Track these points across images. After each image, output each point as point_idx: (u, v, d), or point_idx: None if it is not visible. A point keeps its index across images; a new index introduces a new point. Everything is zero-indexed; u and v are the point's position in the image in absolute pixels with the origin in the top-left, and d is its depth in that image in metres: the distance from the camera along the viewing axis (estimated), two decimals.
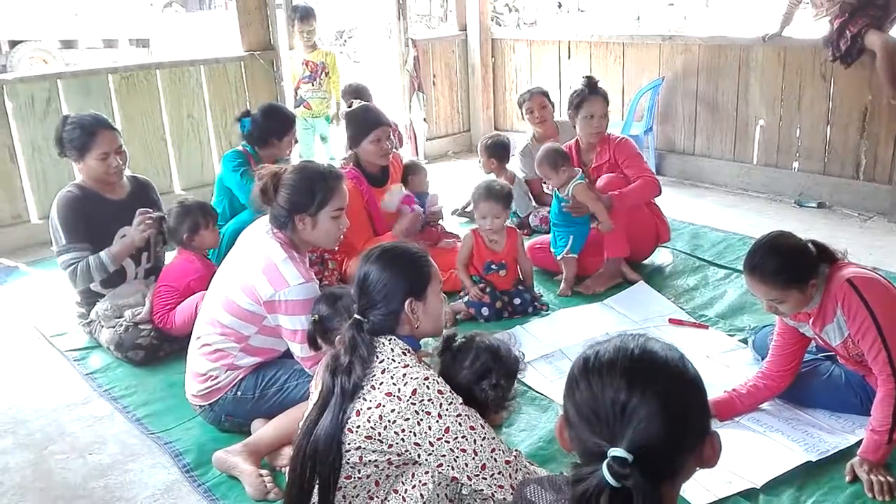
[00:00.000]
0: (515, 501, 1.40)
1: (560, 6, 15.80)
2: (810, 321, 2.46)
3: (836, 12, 4.60)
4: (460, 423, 1.78)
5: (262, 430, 2.52)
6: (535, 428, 2.66)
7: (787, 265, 2.33)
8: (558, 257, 3.77)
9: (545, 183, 4.69)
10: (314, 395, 2.00)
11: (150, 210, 3.33)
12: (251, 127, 3.81)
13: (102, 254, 3.21)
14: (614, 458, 1.04)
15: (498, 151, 4.73)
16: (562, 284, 3.75)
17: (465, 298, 3.53)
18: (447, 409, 1.78)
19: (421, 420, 1.77)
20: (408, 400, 1.77)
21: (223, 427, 2.69)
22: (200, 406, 2.68)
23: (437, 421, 1.77)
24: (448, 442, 1.77)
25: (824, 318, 2.41)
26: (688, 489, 2.27)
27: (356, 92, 5.27)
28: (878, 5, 4.52)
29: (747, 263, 2.39)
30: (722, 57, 5.35)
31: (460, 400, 1.84)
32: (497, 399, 2.04)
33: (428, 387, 1.79)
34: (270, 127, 3.82)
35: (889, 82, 4.50)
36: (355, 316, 1.92)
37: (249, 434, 2.57)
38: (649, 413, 1.06)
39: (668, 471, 1.10)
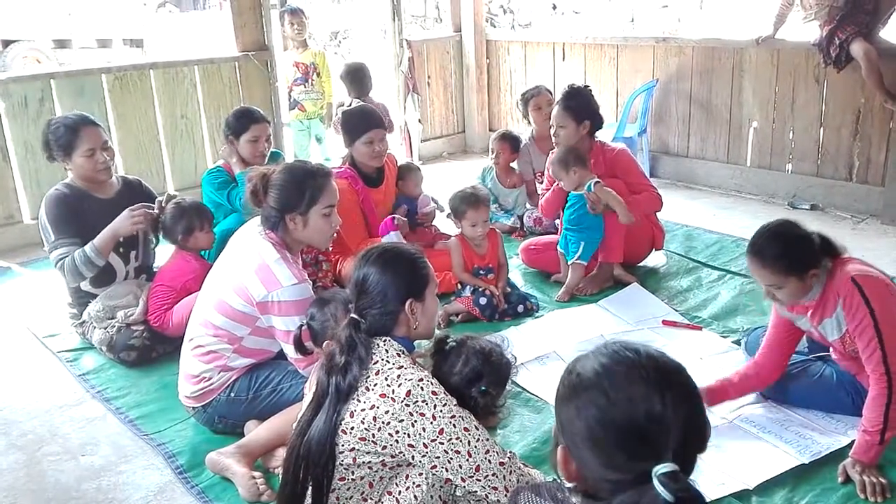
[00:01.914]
0: None
1: (555, 8, 15.83)
2: (808, 314, 2.47)
3: (824, 16, 4.62)
4: (454, 425, 1.78)
5: (256, 432, 2.52)
6: (529, 429, 2.66)
7: (788, 252, 2.35)
8: (569, 262, 3.76)
9: (540, 183, 4.71)
10: (308, 397, 1.99)
11: (151, 206, 3.28)
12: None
13: (87, 247, 3.16)
14: (666, 473, 1.02)
15: (514, 141, 4.73)
16: (561, 290, 3.73)
17: (463, 293, 3.53)
18: (441, 411, 1.78)
19: (415, 421, 1.77)
20: (402, 401, 1.77)
21: (216, 428, 2.68)
22: (194, 407, 2.67)
23: (432, 422, 1.77)
24: (442, 443, 1.77)
25: (823, 312, 2.42)
26: None
27: (354, 72, 5.26)
28: (866, 11, 4.53)
29: (750, 247, 2.42)
30: (715, 59, 5.36)
31: (454, 401, 1.84)
32: (486, 404, 2.04)
33: (422, 388, 1.79)
34: (231, 128, 3.77)
35: (878, 88, 4.53)
36: (352, 316, 1.91)
37: (243, 435, 2.57)
38: (685, 422, 1.06)
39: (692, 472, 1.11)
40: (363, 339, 1.88)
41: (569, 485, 1.20)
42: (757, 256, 2.38)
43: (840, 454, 2.43)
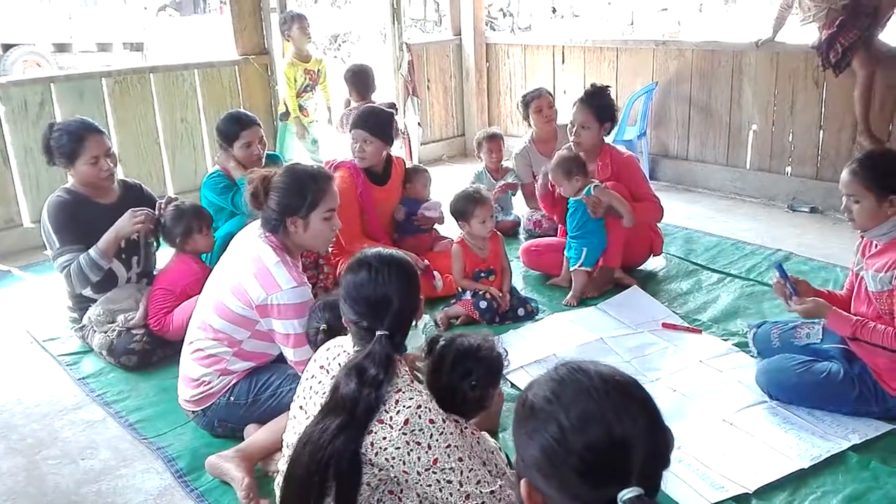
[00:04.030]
0: None
1: (554, 11, 15.87)
2: (873, 250, 2.55)
3: (822, 19, 4.63)
4: (449, 455, 1.78)
5: (256, 436, 2.51)
6: None
7: (876, 167, 2.48)
8: (571, 269, 3.75)
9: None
10: (307, 400, 1.98)
11: (144, 210, 3.26)
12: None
13: (91, 250, 3.17)
14: (631, 498, 0.99)
15: (500, 138, 4.80)
16: (569, 295, 3.71)
17: (463, 296, 3.54)
18: (437, 440, 1.78)
19: (411, 450, 1.77)
20: (399, 429, 1.77)
21: (216, 432, 2.68)
22: (193, 411, 2.67)
23: (427, 452, 1.77)
24: (435, 473, 1.77)
25: (885, 264, 2.46)
26: (681, 495, 2.27)
27: (358, 74, 5.26)
28: (866, 13, 4.53)
29: (856, 157, 2.62)
30: (715, 62, 5.37)
31: (452, 428, 1.82)
32: (476, 399, 2.05)
33: (420, 416, 1.78)
34: (222, 136, 3.74)
35: (861, 117, 4.61)
36: (384, 332, 1.86)
37: (243, 439, 2.56)
38: (646, 441, 1.03)
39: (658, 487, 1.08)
40: (395, 353, 1.87)
41: None
42: (852, 163, 2.53)
43: (840, 458, 2.43)
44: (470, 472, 1.80)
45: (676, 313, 3.55)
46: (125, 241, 3.29)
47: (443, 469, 1.77)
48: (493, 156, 4.78)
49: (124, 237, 3.25)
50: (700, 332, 3.36)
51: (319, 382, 1.95)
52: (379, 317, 1.88)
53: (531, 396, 1.11)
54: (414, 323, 1.98)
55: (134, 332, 3.20)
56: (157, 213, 3.30)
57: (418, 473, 1.77)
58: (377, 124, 3.81)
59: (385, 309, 1.88)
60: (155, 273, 3.50)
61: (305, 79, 5.46)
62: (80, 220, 3.24)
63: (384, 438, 1.77)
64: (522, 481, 1.10)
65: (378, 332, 1.86)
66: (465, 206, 3.53)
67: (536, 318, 3.56)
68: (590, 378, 1.08)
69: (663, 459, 1.06)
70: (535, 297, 3.74)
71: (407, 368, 1.92)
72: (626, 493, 0.99)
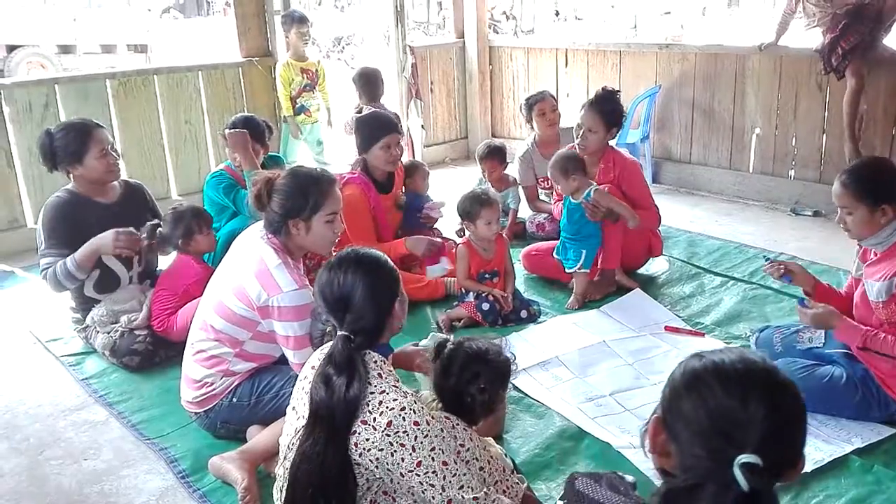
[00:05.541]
0: (565, 494, 1.41)
1: (557, 14, 15.89)
2: (871, 258, 2.55)
3: (826, 23, 4.63)
4: (433, 458, 1.78)
5: (258, 437, 2.52)
6: (532, 435, 2.66)
7: (865, 177, 2.48)
8: (569, 271, 3.74)
9: (544, 189, 4.73)
10: (298, 401, 1.98)
11: (129, 234, 3.22)
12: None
13: (68, 261, 3.15)
14: (747, 464, 1.07)
15: (500, 154, 4.70)
16: (571, 298, 3.72)
17: (466, 298, 3.55)
18: (422, 443, 1.78)
19: (395, 451, 1.77)
20: (383, 431, 1.77)
21: (218, 434, 2.68)
22: (196, 413, 2.67)
23: (411, 454, 1.77)
24: (418, 475, 1.77)
25: (884, 274, 2.46)
26: None
27: (367, 77, 5.26)
28: (869, 17, 4.53)
29: (845, 169, 2.61)
30: (718, 65, 5.37)
31: (437, 430, 1.82)
32: (485, 403, 2.05)
33: (403, 418, 1.78)
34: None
35: (847, 124, 4.62)
36: (343, 333, 1.86)
37: (245, 440, 2.57)
38: (781, 424, 1.12)
39: (777, 479, 1.15)
40: (358, 356, 1.85)
41: (630, 479, 1.22)
42: (842, 175, 2.53)
43: (843, 462, 2.43)
44: (453, 476, 1.79)
45: (679, 316, 3.55)
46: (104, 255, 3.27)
47: (426, 472, 1.77)
48: (487, 175, 4.72)
49: (103, 254, 3.23)
50: (703, 335, 3.36)
51: (311, 383, 1.95)
52: (338, 318, 1.89)
53: (706, 354, 1.22)
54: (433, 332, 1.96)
55: (137, 332, 3.20)
56: (144, 235, 3.27)
57: (401, 475, 1.78)
58: (400, 126, 3.92)
59: (343, 309, 1.88)
60: (158, 274, 3.51)
61: (304, 78, 5.47)
62: (76, 222, 3.24)
63: (367, 440, 1.77)
64: (653, 419, 1.21)
65: (339, 333, 1.86)
66: (472, 207, 3.54)
67: (539, 320, 3.56)
68: (763, 362, 1.20)
69: (788, 459, 1.15)
70: (537, 299, 3.74)
71: (390, 368, 1.92)
72: (745, 458, 1.07)
